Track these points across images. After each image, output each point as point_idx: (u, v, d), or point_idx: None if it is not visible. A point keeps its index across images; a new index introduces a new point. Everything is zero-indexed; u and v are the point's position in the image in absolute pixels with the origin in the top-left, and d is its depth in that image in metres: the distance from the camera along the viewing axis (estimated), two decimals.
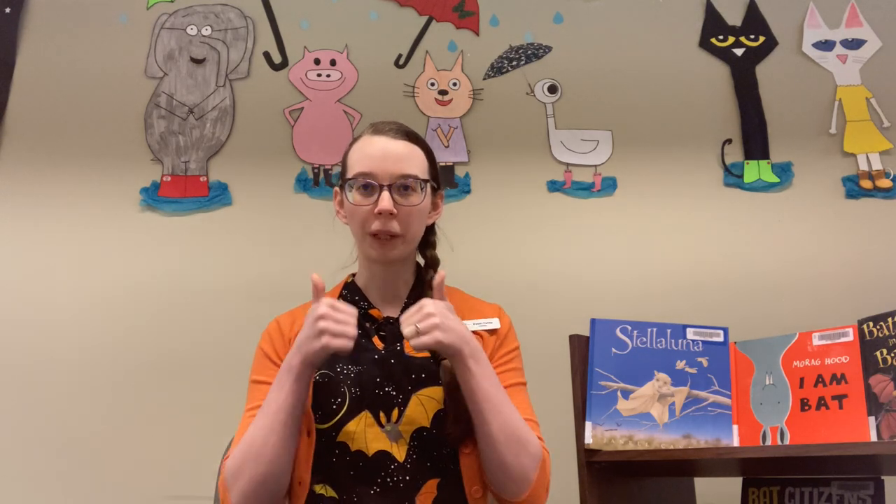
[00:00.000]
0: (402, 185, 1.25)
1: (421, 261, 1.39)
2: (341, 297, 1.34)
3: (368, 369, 1.24)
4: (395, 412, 1.21)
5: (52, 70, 2.30)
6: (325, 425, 1.21)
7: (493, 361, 1.29)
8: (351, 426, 1.20)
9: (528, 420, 1.26)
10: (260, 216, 2.21)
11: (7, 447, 2.00)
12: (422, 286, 1.33)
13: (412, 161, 1.28)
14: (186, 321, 2.11)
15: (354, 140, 1.33)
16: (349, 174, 1.28)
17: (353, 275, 1.39)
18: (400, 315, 1.27)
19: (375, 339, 1.28)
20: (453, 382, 1.20)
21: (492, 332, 1.31)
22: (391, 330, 1.28)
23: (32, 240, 2.16)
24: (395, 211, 1.24)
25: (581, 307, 1.92)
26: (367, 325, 1.29)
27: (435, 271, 1.34)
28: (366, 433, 1.20)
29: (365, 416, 1.21)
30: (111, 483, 1.99)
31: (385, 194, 1.24)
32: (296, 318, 1.32)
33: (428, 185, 1.29)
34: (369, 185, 1.25)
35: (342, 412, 1.20)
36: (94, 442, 2.01)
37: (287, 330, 1.31)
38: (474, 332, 1.28)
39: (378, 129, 1.30)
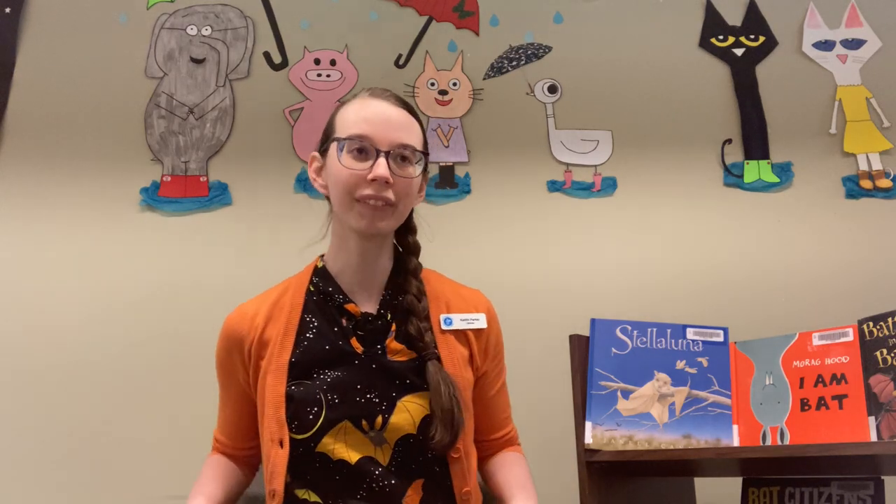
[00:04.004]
0: (399, 155, 1.17)
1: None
2: (311, 284, 1.24)
3: (347, 376, 1.15)
4: (379, 420, 1.14)
5: (52, 70, 2.30)
6: (302, 436, 1.13)
7: (484, 363, 1.27)
8: (330, 437, 1.13)
9: (507, 417, 1.33)
10: (260, 216, 2.21)
11: (7, 447, 2.00)
12: (401, 275, 1.24)
13: (411, 131, 1.20)
14: (186, 321, 2.11)
15: (344, 103, 1.23)
16: (343, 134, 1.17)
17: (322, 256, 1.28)
18: (379, 310, 1.21)
19: (353, 341, 1.18)
20: (439, 386, 1.14)
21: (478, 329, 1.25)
22: (370, 329, 1.19)
23: (32, 240, 2.16)
24: (391, 180, 1.15)
25: (581, 307, 1.92)
26: (344, 322, 1.20)
27: (417, 258, 1.27)
28: (346, 441, 1.13)
29: (345, 426, 1.13)
30: (111, 483, 1.99)
31: (382, 160, 1.14)
32: (259, 309, 1.24)
33: (424, 159, 1.21)
34: (365, 150, 1.16)
35: (320, 422, 1.13)
36: (94, 441, 2.01)
37: (247, 325, 1.22)
38: (460, 331, 1.23)
39: (375, 93, 1.22)
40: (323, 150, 1.23)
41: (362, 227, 1.17)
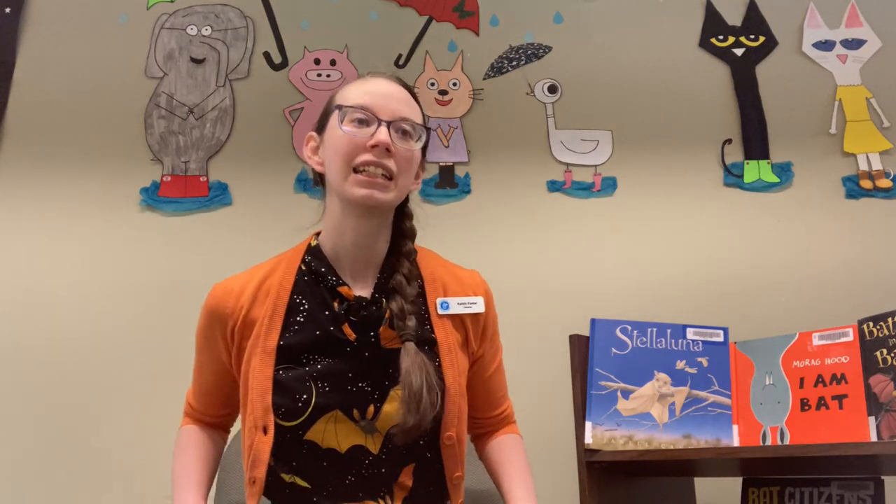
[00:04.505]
0: (400, 128, 1.17)
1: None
2: (303, 263, 1.21)
3: (339, 363, 1.13)
4: (371, 409, 1.12)
5: (52, 70, 2.30)
6: (290, 423, 1.11)
7: (480, 346, 1.26)
8: (319, 425, 1.11)
9: (503, 395, 1.33)
10: (260, 216, 2.21)
11: (6, 447, 2.00)
12: (396, 257, 1.22)
13: (412, 108, 1.21)
14: (186, 321, 2.10)
15: (344, 83, 1.25)
16: (346, 103, 1.17)
17: (317, 234, 1.25)
18: (373, 294, 1.18)
19: (346, 328, 1.15)
20: (412, 368, 1.11)
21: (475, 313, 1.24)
22: (364, 316, 1.16)
23: (32, 240, 2.16)
24: (392, 147, 1.14)
25: (581, 307, 1.92)
26: (336, 306, 1.17)
27: (412, 242, 1.25)
28: (336, 430, 1.12)
29: (335, 415, 1.11)
30: (111, 482, 1.99)
31: (383, 128, 1.14)
32: (245, 286, 1.21)
33: (423, 136, 1.21)
34: (367, 119, 1.16)
35: (309, 410, 1.11)
36: (94, 441, 2.01)
37: (232, 303, 1.19)
38: (456, 315, 1.22)
39: (376, 73, 1.24)
40: (320, 128, 1.22)
41: (361, 196, 1.14)
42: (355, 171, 1.14)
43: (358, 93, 1.18)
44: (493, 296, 1.29)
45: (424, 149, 1.24)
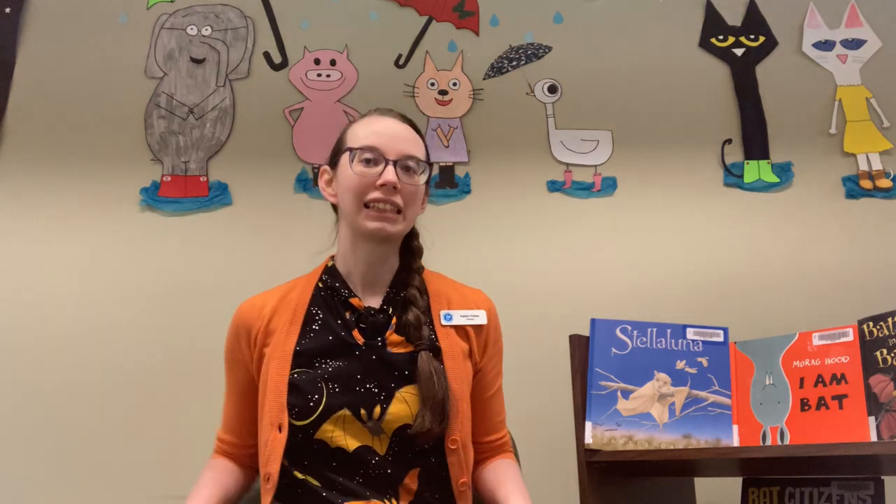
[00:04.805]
0: (405, 165, 1.26)
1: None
2: (321, 282, 1.32)
3: (348, 365, 1.21)
4: (378, 409, 1.19)
5: (52, 70, 2.30)
6: (302, 422, 1.18)
7: (482, 359, 1.30)
8: (329, 425, 1.18)
9: (501, 421, 1.35)
10: (260, 216, 2.21)
11: (8, 446, 2.00)
12: (405, 273, 1.32)
13: (416, 145, 1.30)
14: (186, 321, 2.11)
15: (353, 121, 1.34)
16: (355, 145, 1.27)
17: (333, 257, 1.35)
18: (382, 305, 1.27)
19: (355, 333, 1.25)
20: (431, 376, 1.19)
21: (478, 325, 1.31)
22: (372, 322, 1.26)
23: (32, 240, 2.16)
24: (399, 185, 1.24)
25: (581, 307, 1.92)
26: (348, 315, 1.27)
27: (420, 259, 1.34)
28: (345, 430, 1.18)
29: (344, 415, 1.18)
30: (111, 483, 1.99)
31: (390, 168, 1.24)
32: (266, 301, 1.31)
33: (427, 170, 1.30)
34: (375, 159, 1.25)
35: (319, 410, 1.18)
36: (95, 441, 2.01)
37: (255, 314, 1.29)
38: (460, 326, 1.28)
39: (383, 111, 1.33)
40: (333, 163, 1.32)
41: (371, 230, 1.24)
42: (367, 206, 1.24)
43: (366, 132, 1.28)
44: (497, 317, 1.35)
45: (429, 174, 1.32)
